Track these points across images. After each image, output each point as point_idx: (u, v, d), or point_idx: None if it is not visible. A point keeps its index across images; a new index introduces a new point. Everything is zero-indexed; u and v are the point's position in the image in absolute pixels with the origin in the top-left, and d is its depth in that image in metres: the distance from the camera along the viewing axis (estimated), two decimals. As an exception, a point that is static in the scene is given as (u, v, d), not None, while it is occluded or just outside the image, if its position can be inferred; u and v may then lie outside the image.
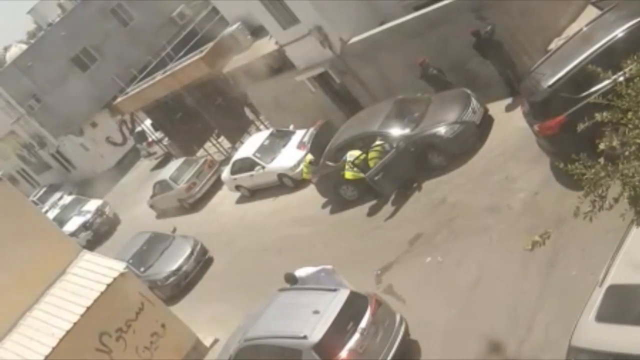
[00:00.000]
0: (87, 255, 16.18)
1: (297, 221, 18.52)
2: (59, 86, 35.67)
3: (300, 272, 12.97)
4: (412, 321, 11.54)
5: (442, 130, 15.08)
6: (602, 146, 7.54)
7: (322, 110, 20.16)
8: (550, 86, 11.57)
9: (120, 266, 15.48)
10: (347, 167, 15.97)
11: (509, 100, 15.25)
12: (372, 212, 16.01)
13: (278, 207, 20.29)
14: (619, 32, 11.07)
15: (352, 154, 16.01)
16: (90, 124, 37.15)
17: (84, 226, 29.97)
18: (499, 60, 15.11)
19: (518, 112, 13.29)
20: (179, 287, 20.21)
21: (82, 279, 15.41)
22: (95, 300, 14.64)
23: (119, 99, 30.01)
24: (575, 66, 11.25)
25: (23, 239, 15.16)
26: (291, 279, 12.98)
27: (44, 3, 42.27)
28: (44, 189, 39.66)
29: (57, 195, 37.24)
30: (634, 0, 11.89)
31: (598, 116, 7.57)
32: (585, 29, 12.28)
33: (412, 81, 16.76)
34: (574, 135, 8.97)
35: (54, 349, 13.94)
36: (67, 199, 33.91)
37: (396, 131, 15.75)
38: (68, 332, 14.21)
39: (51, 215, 30.38)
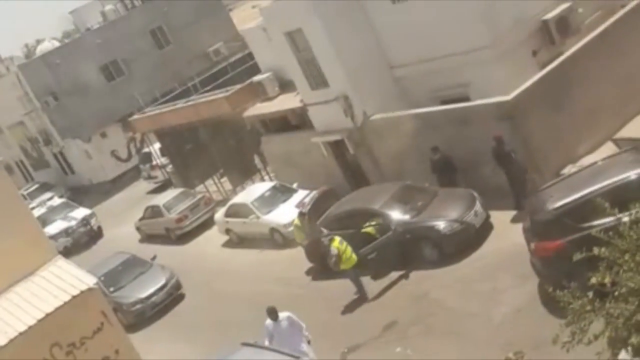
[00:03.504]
0: (60, 261, 15.93)
1: (278, 279, 18.34)
2: (80, 90, 35.89)
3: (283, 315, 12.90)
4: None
5: (441, 225, 15.11)
6: (593, 280, 7.55)
7: (329, 176, 20.26)
8: (555, 209, 11.65)
9: (90, 280, 15.21)
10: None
11: (513, 213, 15.32)
12: (354, 288, 15.84)
13: (263, 260, 20.13)
14: (633, 175, 11.22)
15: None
16: (100, 134, 37.16)
17: (66, 232, 29.64)
18: (512, 172, 15.26)
19: (518, 227, 13.33)
20: (144, 316, 19.86)
21: (49, 283, 15.15)
22: (57, 309, 14.35)
23: (135, 116, 30.22)
24: (583, 196, 11.33)
25: (1, 228, 14.98)
26: (273, 313, 12.87)
27: (87, 7, 43.04)
28: (37, 186, 39.35)
29: (48, 195, 36.93)
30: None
31: (596, 250, 7.60)
32: (600, 162, 12.47)
33: (423, 170, 16.91)
34: (568, 263, 8.99)
35: (1, 348, 13.59)
36: (57, 201, 33.63)
37: (396, 214, 15.79)
38: (20, 334, 13.87)
39: (37, 213, 30.06)
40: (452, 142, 16.40)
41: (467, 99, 16.92)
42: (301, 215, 17.89)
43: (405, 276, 15.33)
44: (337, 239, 15.35)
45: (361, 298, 15.44)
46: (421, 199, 16.06)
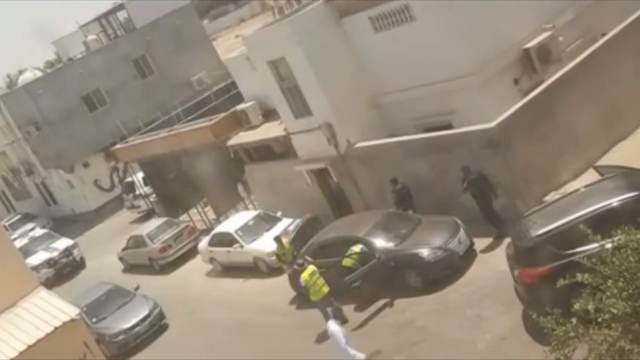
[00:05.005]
0: (42, 292, 15.81)
1: (261, 308, 18.19)
2: (63, 120, 35.80)
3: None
4: None
5: (424, 252, 15.10)
6: (577, 307, 7.57)
7: (313, 204, 20.22)
8: (538, 236, 11.68)
9: (72, 311, 15.10)
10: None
11: (490, 240, 15.40)
12: (339, 317, 15.73)
13: (247, 289, 19.98)
14: (615, 202, 11.29)
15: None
16: (82, 163, 36.96)
17: (48, 263, 29.41)
18: (483, 200, 15.51)
19: (502, 254, 13.35)
20: (127, 347, 19.64)
21: (31, 315, 14.99)
22: (39, 340, 14.18)
23: (118, 146, 30.10)
24: (566, 222, 11.38)
25: (-18, 261, 14.82)
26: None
27: (70, 37, 43.18)
28: (19, 217, 39.06)
29: (30, 225, 36.66)
30: (634, 174, 12.25)
31: (579, 276, 7.63)
32: (583, 189, 12.56)
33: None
34: (552, 289, 9.01)
35: (-18, 380, 13.37)
36: (39, 231, 33.39)
37: (380, 242, 15.76)
38: (2, 365, 13.67)
39: (19, 244, 29.75)
40: (435, 169, 16.47)
41: (450, 127, 17.06)
42: (276, 240, 17.86)
43: (389, 304, 15.26)
44: (309, 270, 15.27)
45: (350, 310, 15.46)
46: (405, 226, 16.06)
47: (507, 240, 13.25)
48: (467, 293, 14.23)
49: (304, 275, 15.24)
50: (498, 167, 15.29)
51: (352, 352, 13.25)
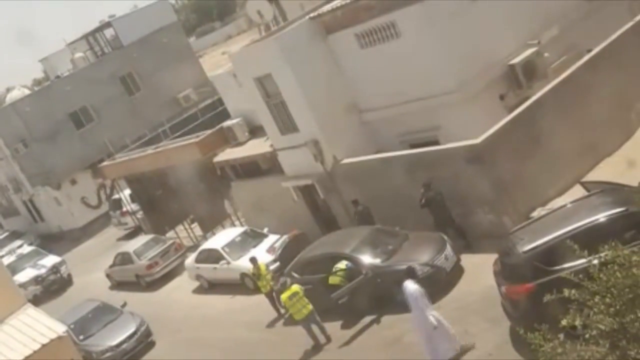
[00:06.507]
0: (30, 309, 15.75)
1: (249, 325, 18.08)
2: (50, 137, 35.71)
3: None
4: None
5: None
6: (564, 323, 7.54)
7: (299, 220, 20.18)
8: (525, 252, 11.67)
9: (60, 329, 15.03)
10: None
11: (482, 255, 15.36)
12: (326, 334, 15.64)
13: (234, 306, 19.86)
14: (601, 217, 11.30)
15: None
16: (69, 181, 36.80)
17: (36, 280, 29.31)
18: (440, 216, 16.06)
19: (489, 270, 13.33)
20: (113, 364, 19.45)
21: (18, 332, 14.92)
22: (26, 358, 14.11)
23: (105, 163, 30.02)
24: (553, 238, 11.38)
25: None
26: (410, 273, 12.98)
27: (57, 55, 43.16)
28: (6, 234, 38.94)
29: (18, 242, 36.42)
30: (620, 190, 12.30)
31: (566, 292, 7.61)
32: (569, 205, 12.58)
33: (393, 214, 16.93)
34: (539, 305, 8.96)
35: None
36: (27, 248, 33.20)
37: (367, 258, 15.70)
38: (-12, 384, 13.53)
39: (6, 261, 29.52)
40: (420, 186, 16.45)
41: (436, 143, 17.10)
42: (252, 261, 17.81)
43: (377, 321, 15.18)
44: (289, 292, 15.16)
45: (316, 347, 15.30)
46: (392, 242, 16.02)
47: (494, 256, 13.23)
48: (454, 309, 14.16)
49: (283, 297, 15.26)
50: (484, 183, 15.32)
51: (430, 312, 12.76)
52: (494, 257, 13.20)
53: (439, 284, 14.93)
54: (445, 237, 15.61)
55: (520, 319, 11.47)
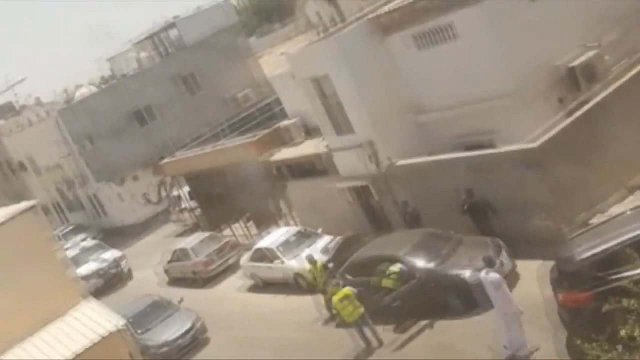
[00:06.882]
0: (91, 302, 16.24)
1: (301, 325, 18.16)
2: (115, 134, 36.71)
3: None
4: None
5: (467, 274, 14.82)
6: (623, 333, 7.35)
7: (353, 222, 20.18)
8: (583, 260, 11.41)
9: (119, 322, 15.41)
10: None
11: (540, 262, 15.04)
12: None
13: (287, 306, 20.00)
14: (663, 226, 10.96)
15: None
16: (132, 177, 37.78)
17: (98, 273, 29.99)
18: (484, 223, 16.10)
19: (546, 277, 13.04)
20: (170, 359, 19.80)
21: (80, 324, 15.39)
22: (86, 349, 14.54)
23: (165, 160, 30.68)
24: (612, 246, 11.10)
25: (37, 270, 15.32)
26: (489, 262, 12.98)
27: (124, 55, 44.27)
28: (71, 227, 40.15)
29: (82, 236, 37.65)
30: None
31: (625, 302, 7.41)
32: (629, 212, 12.23)
33: (448, 217, 16.75)
34: (597, 315, 8.77)
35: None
36: (90, 242, 34.16)
37: (421, 262, 15.58)
38: (50, 373, 14.03)
39: (70, 254, 30.44)
40: (478, 189, 16.24)
41: (492, 146, 16.84)
42: (309, 259, 18.01)
43: (430, 326, 15.04)
44: (341, 294, 15.21)
45: (368, 350, 15.27)
46: (446, 247, 15.84)
47: (551, 263, 12.94)
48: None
49: (335, 300, 15.31)
50: (540, 188, 14.99)
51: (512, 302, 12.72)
52: (550, 264, 12.94)
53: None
54: (501, 243, 15.35)
55: (578, 329, 11.19)
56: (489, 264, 13.04)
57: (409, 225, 17.77)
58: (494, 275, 12.72)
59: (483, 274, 12.88)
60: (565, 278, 11.89)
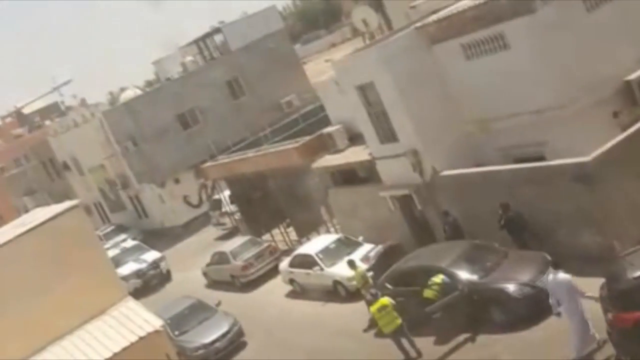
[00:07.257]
0: (130, 302, 16.35)
1: (338, 333, 18.03)
2: (158, 137, 37.08)
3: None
4: None
5: (511, 287, 14.54)
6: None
7: (395, 231, 19.97)
8: (635, 278, 11.03)
9: (157, 323, 15.50)
10: None
11: (589, 280, 14.61)
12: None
13: (325, 312, 19.89)
14: None
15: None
16: (173, 179, 38.10)
17: (137, 274, 30.31)
18: (522, 237, 15.92)
19: (594, 295, 12.65)
20: (206, 362, 19.91)
21: (118, 323, 15.50)
22: (124, 349, 14.64)
23: (207, 164, 30.87)
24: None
25: (79, 268, 15.52)
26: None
27: (169, 58, 44.84)
28: (112, 228, 40.72)
29: (122, 236, 38.12)
30: None
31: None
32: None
33: (493, 229, 16.43)
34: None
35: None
36: (130, 243, 34.53)
37: (464, 274, 15.32)
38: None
39: (111, 254, 30.81)
40: (525, 202, 15.90)
41: (542, 159, 16.48)
42: (350, 264, 18.01)
43: (471, 339, 14.78)
44: (379, 304, 15.06)
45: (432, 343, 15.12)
46: (490, 259, 15.56)
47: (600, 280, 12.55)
48: (555, 333, 13.53)
49: (372, 309, 15.17)
50: (592, 203, 14.60)
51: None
52: (599, 281, 12.54)
53: (540, 305, 14.29)
54: (549, 257, 14.97)
55: (628, 350, 10.85)
56: (555, 266, 12.66)
57: (449, 236, 17.56)
58: (564, 276, 12.39)
59: (550, 276, 12.59)
60: (616, 297, 11.50)
